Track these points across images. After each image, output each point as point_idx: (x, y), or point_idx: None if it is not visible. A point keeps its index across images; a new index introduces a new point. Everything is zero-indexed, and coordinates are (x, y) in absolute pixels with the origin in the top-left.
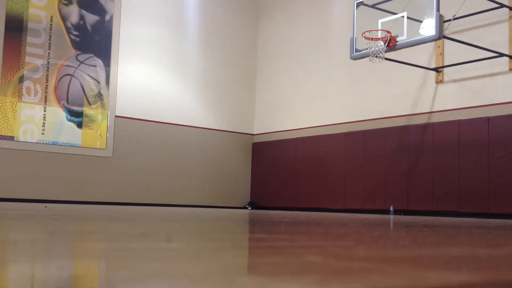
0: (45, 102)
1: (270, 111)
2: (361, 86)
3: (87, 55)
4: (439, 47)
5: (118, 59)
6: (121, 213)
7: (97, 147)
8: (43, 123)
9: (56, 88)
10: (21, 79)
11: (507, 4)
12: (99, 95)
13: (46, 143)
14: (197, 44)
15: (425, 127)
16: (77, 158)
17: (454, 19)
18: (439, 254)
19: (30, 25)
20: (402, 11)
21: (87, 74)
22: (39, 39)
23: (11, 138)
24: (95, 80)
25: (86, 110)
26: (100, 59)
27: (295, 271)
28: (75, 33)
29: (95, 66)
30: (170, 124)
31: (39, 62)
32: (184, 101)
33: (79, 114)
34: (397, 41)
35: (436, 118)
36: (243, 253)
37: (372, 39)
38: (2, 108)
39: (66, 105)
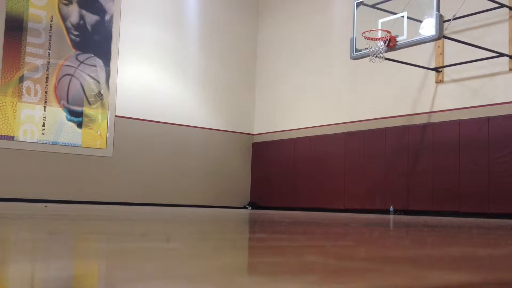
0: (45, 102)
1: (270, 111)
2: (361, 86)
3: (87, 55)
4: (439, 47)
5: (118, 59)
6: (121, 213)
7: (97, 147)
8: (43, 123)
9: (56, 88)
10: (21, 79)
11: (507, 4)
12: (99, 95)
13: (46, 143)
14: (197, 44)
15: (425, 127)
16: (77, 158)
17: (454, 19)
18: (439, 254)
19: (30, 25)
20: (402, 11)
21: (87, 74)
22: (39, 39)
23: (11, 138)
24: (95, 80)
25: (86, 110)
26: (100, 59)
27: (295, 271)
28: (75, 33)
29: (95, 66)
30: (170, 124)
31: (39, 62)
32: (184, 101)
33: (79, 114)
34: (397, 41)
35: (436, 118)
36: (243, 253)
37: (372, 39)
38: (2, 108)
39: (66, 105)
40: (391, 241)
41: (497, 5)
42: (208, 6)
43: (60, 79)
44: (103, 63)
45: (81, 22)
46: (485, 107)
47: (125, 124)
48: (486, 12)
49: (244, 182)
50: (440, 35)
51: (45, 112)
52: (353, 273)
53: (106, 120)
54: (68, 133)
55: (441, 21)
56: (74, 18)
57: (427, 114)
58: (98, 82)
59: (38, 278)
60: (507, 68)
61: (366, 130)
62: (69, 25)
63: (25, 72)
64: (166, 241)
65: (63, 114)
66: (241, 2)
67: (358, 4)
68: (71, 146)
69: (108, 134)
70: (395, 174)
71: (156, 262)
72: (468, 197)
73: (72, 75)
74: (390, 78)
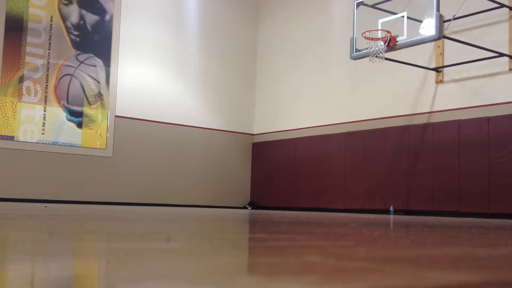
0: (45, 102)
1: (270, 111)
2: (361, 86)
3: (87, 55)
4: (439, 47)
5: (118, 59)
6: (121, 213)
7: (97, 147)
8: (43, 123)
9: (56, 88)
10: (21, 79)
11: (507, 4)
12: (99, 95)
13: (46, 143)
14: (197, 44)
15: (425, 127)
16: (77, 158)
17: (454, 19)
18: (439, 254)
19: (30, 25)
20: (402, 11)
21: (87, 74)
22: (39, 39)
23: (11, 138)
24: (95, 80)
25: (86, 110)
26: (100, 59)
27: (295, 271)
28: (75, 33)
29: (95, 66)
30: (170, 124)
31: (39, 62)
32: (184, 101)
33: (79, 114)
34: (397, 41)
35: (436, 118)
36: (243, 253)
37: (372, 39)
38: (2, 108)
39: (66, 105)
40: (391, 241)
41: (497, 5)
42: (208, 6)
43: (60, 79)
44: (103, 63)
45: (81, 22)
46: (485, 107)
47: (125, 124)
48: (486, 12)
49: (244, 182)
50: (440, 35)
51: (45, 112)
52: (353, 273)
53: (106, 120)
54: (68, 133)
55: (441, 21)
56: (74, 18)
57: (427, 114)
58: (98, 82)
59: (38, 278)
60: (507, 68)
61: (366, 130)
62: (69, 25)
63: (25, 72)
64: (166, 241)
65: (63, 114)
66: (241, 2)
67: (358, 4)
68: (71, 146)
69: (108, 134)
70: (395, 174)
71: (156, 262)
72: (468, 197)
73: (72, 75)
74: (390, 78)
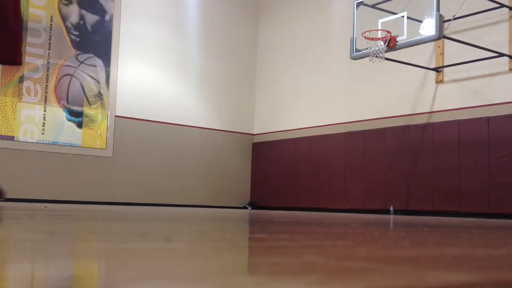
0: (45, 102)
1: (270, 111)
2: (361, 86)
3: (87, 55)
4: (439, 47)
5: (118, 59)
6: (121, 213)
7: (97, 147)
8: (43, 123)
9: (56, 88)
10: (21, 79)
11: (507, 4)
12: (99, 95)
13: (46, 143)
14: (197, 44)
15: (425, 127)
16: (77, 158)
17: (454, 19)
18: (439, 254)
19: (30, 25)
20: (402, 11)
21: (87, 74)
22: (39, 39)
23: (11, 138)
24: (95, 80)
25: (86, 110)
26: (100, 59)
27: (295, 271)
28: (75, 33)
29: (95, 66)
30: (170, 124)
31: (39, 62)
32: (184, 101)
33: (79, 114)
34: (397, 41)
35: (436, 118)
36: (243, 253)
37: (372, 39)
38: (2, 108)
39: (66, 105)
40: (391, 241)
41: (497, 5)
42: (208, 6)
43: (60, 79)
44: (103, 63)
45: (81, 22)
46: (485, 107)
47: (125, 124)
48: (486, 12)
49: (244, 182)
50: (440, 35)
51: (45, 112)
52: (353, 273)
53: (106, 120)
54: (68, 133)
55: (441, 21)
56: (74, 18)
57: (427, 114)
58: (98, 82)
59: (38, 278)
60: (507, 68)
61: (366, 130)
62: (69, 25)
63: (25, 72)
64: (166, 241)
65: (63, 114)
66: (241, 2)
67: (358, 4)
68: (71, 146)
69: (108, 134)
70: (395, 174)
71: (156, 262)
72: (468, 197)
73: (72, 75)
74: (390, 78)
